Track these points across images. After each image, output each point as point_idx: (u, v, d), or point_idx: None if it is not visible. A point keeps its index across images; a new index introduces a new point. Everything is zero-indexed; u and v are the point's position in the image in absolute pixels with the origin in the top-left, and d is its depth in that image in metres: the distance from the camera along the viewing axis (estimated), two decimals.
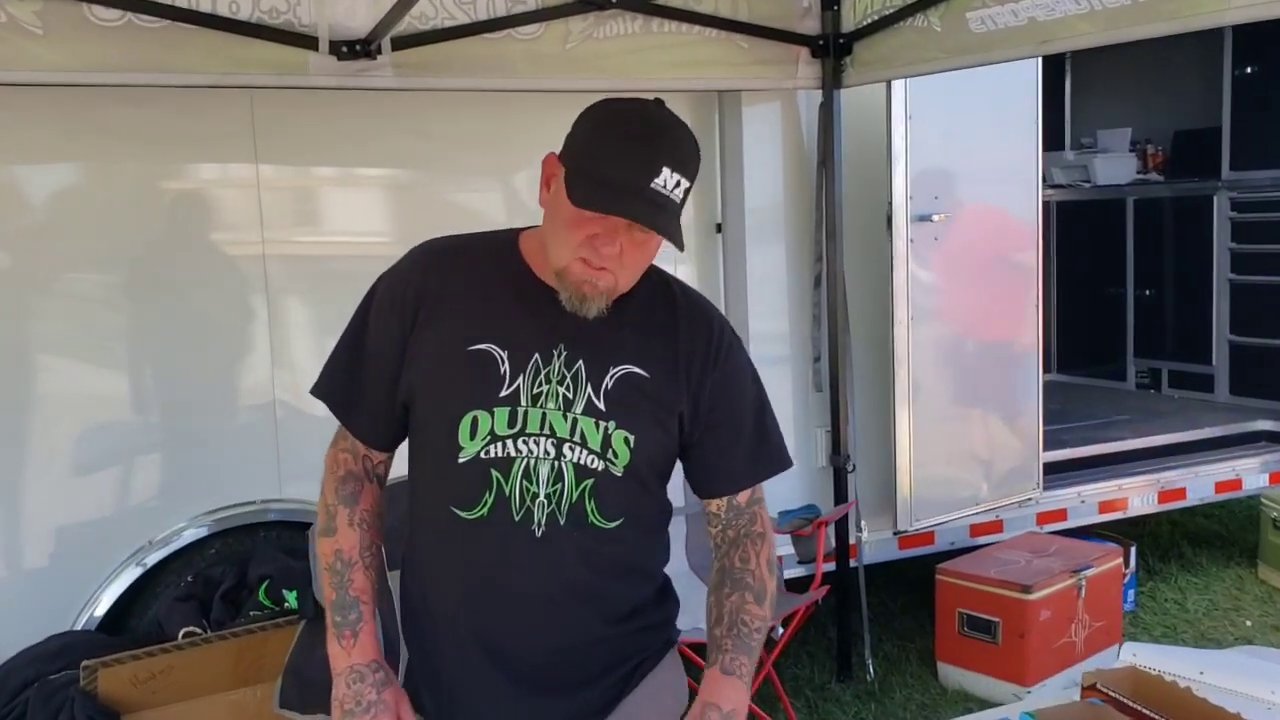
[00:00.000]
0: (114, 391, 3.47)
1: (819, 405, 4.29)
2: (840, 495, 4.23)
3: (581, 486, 1.72)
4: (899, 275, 4.21)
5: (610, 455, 1.73)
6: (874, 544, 4.37)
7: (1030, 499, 4.73)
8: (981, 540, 4.62)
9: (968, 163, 4.39)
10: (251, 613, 3.15)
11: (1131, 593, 4.85)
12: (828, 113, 4.02)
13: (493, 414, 1.71)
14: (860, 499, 4.25)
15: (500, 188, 3.95)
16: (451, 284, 1.78)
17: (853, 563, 4.29)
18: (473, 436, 1.71)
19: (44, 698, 2.88)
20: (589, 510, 1.72)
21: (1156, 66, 7.03)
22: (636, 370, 1.76)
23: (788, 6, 3.87)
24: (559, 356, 1.74)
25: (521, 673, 1.75)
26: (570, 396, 1.73)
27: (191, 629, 3.12)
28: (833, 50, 3.91)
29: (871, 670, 4.27)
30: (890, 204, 4.14)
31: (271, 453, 3.57)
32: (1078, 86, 7.46)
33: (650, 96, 1.72)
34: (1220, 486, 5.21)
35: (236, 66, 3.11)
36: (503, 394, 1.71)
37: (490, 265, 1.81)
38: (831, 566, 4.18)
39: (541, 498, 1.71)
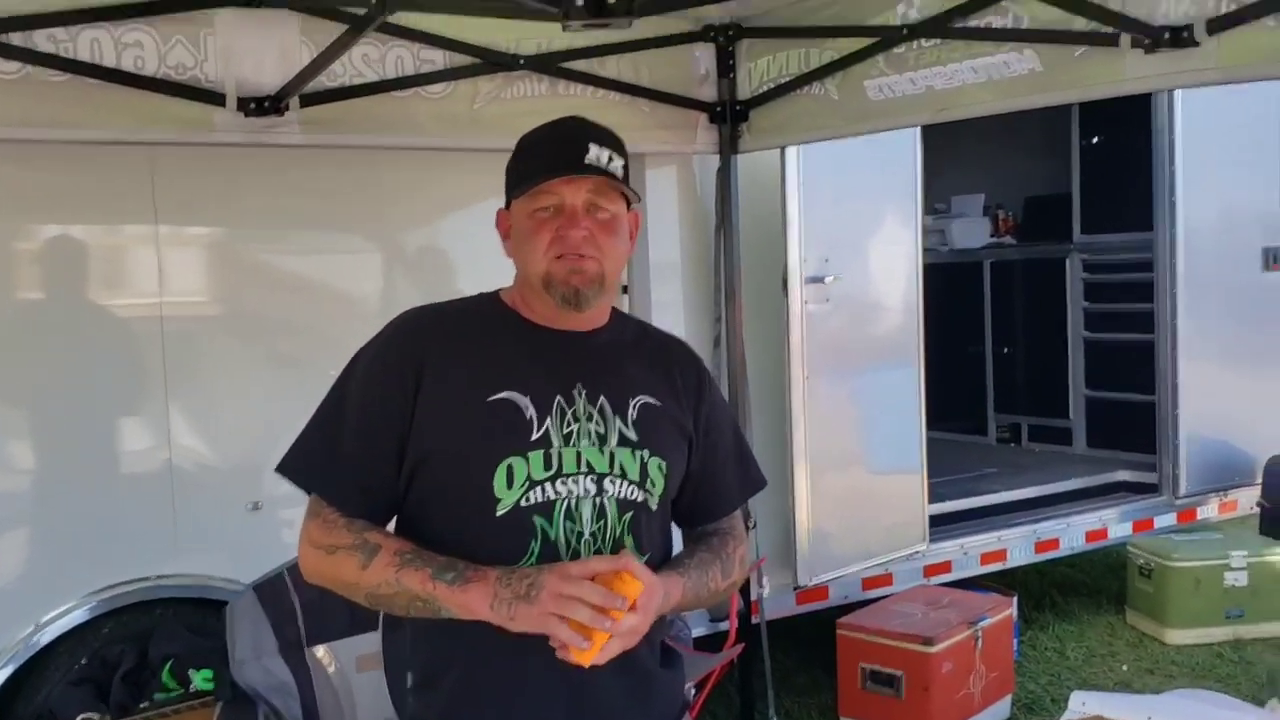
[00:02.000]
0: None
1: None
2: None
3: (623, 521, 1.73)
4: (794, 335, 4.31)
5: (649, 485, 1.76)
6: (773, 600, 4.41)
7: (918, 552, 4.86)
8: (873, 594, 4.71)
9: (856, 226, 4.56)
10: (155, 695, 2.97)
11: (1016, 642, 5.01)
12: (725, 177, 4.11)
13: (528, 459, 1.69)
14: (764, 556, 4.29)
15: (410, 247, 3.90)
16: (449, 342, 1.77)
17: (755, 619, 4.31)
18: (510, 485, 1.68)
19: None
20: (629, 546, 1.73)
21: (1006, 134, 7.42)
22: (651, 400, 1.81)
23: (687, 72, 3.95)
24: (580, 395, 1.75)
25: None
26: (602, 431, 1.74)
27: (89, 715, 2.92)
28: (730, 117, 4.00)
29: None
30: (785, 266, 4.25)
31: (167, 523, 3.40)
32: (930, 152, 7.81)
33: None
34: (1090, 536, 5.46)
35: (140, 122, 3.00)
36: (534, 438, 1.70)
37: (482, 320, 1.81)
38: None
39: (587, 536, 1.71)
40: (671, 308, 4.26)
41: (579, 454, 1.73)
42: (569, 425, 1.73)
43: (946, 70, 3.32)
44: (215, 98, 3.08)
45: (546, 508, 1.70)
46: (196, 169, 3.40)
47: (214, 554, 3.41)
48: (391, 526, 1.80)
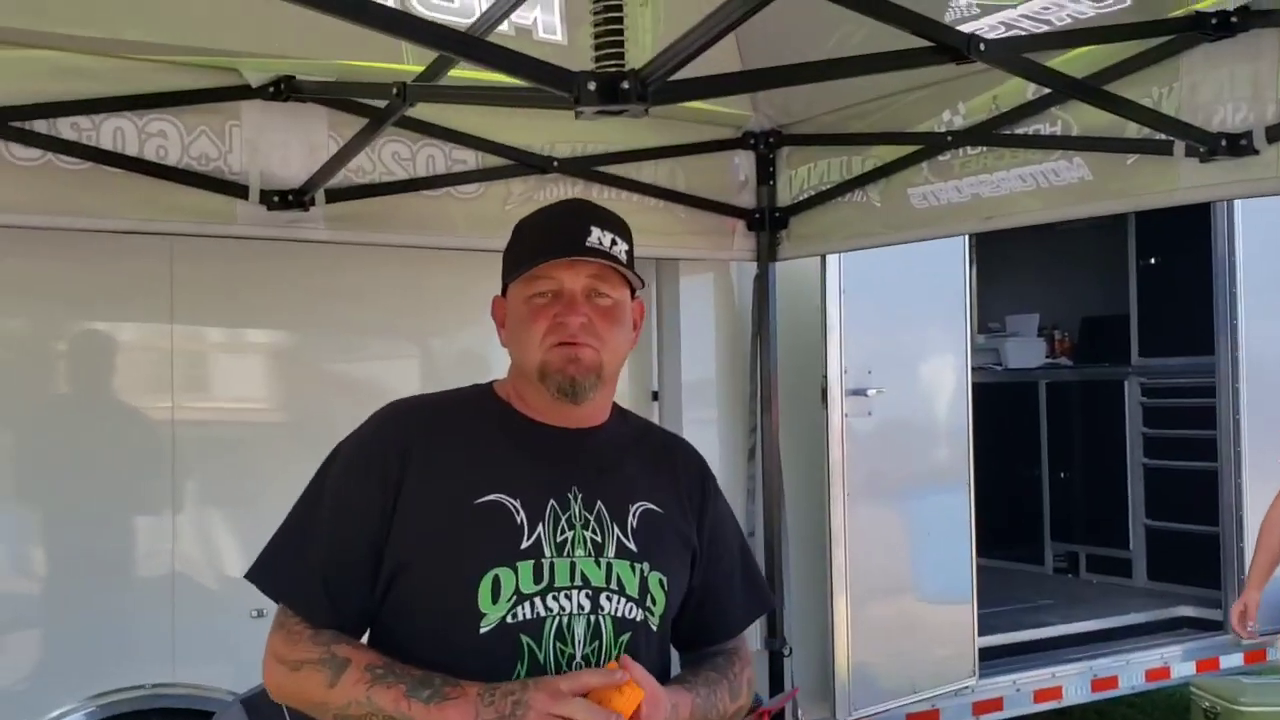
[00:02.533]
0: None
1: None
2: (776, 681, 4.01)
3: (620, 643, 1.55)
4: (834, 450, 4.13)
5: (649, 603, 1.59)
6: None
7: (967, 687, 4.57)
8: None
9: (900, 338, 4.41)
10: None
11: None
12: (763, 285, 3.99)
13: (516, 570, 1.53)
14: (799, 687, 4.04)
15: (435, 352, 3.81)
16: (436, 439, 1.61)
17: None
18: (495, 599, 1.52)
19: None
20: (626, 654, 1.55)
21: (1061, 254, 7.28)
22: (653, 507, 1.64)
23: (725, 179, 3.87)
24: (575, 499, 1.59)
25: None
26: (599, 541, 1.58)
27: None
28: (768, 224, 3.90)
29: None
30: (825, 377, 4.09)
31: (166, 632, 3.25)
32: (983, 270, 7.69)
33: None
34: (1150, 674, 5.15)
35: (160, 213, 2.94)
36: (524, 546, 1.54)
37: (472, 414, 1.66)
38: None
39: (579, 659, 1.53)
40: (704, 417, 4.12)
41: (573, 565, 1.57)
42: (563, 533, 1.58)
43: (993, 178, 3.20)
44: (238, 189, 3.03)
45: (535, 626, 1.54)
46: (216, 262, 3.33)
47: (213, 663, 3.25)
48: (366, 638, 1.64)
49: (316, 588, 1.58)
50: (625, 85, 1.83)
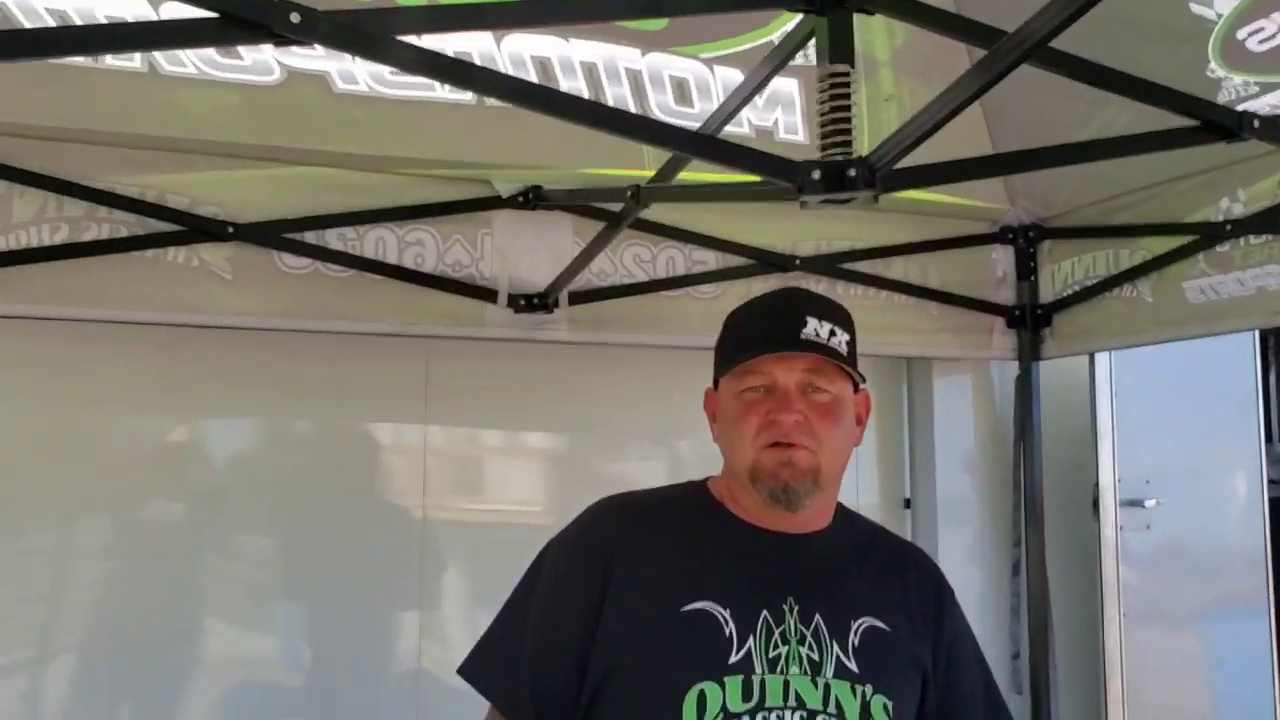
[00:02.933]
0: (263, 652, 3.33)
1: (1019, 710, 3.78)
2: None
3: None
4: (1108, 566, 3.81)
5: None
6: None
7: None
8: None
9: (1182, 446, 4.04)
10: None
11: None
12: (1025, 385, 3.74)
13: (723, 685, 1.44)
14: None
15: (677, 450, 3.78)
16: (644, 541, 1.56)
17: None
18: (701, 715, 1.42)
19: None
20: None
21: None
22: (878, 624, 1.51)
23: (981, 274, 3.69)
24: (791, 612, 1.49)
25: None
26: (816, 659, 1.46)
27: None
28: (1030, 321, 3.67)
29: None
30: (1096, 486, 3.79)
31: None
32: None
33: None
34: None
35: (416, 316, 3.07)
36: (732, 660, 1.45)
37: (684, 515, 1.59)
38: None
39: None
40: (962, 528, 3.87)
41: (786, 684, 1.45)
42: (776, 648, 1.47)
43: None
44: (488, 294, 3.13)
45: None
46: (467, 363, 3.45)
47: None
48: None
49: (523, 692, 1.55)
50: (852, 172, 1.75)
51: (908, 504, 3.90)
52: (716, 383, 1.62)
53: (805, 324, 1.51)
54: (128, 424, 3.28)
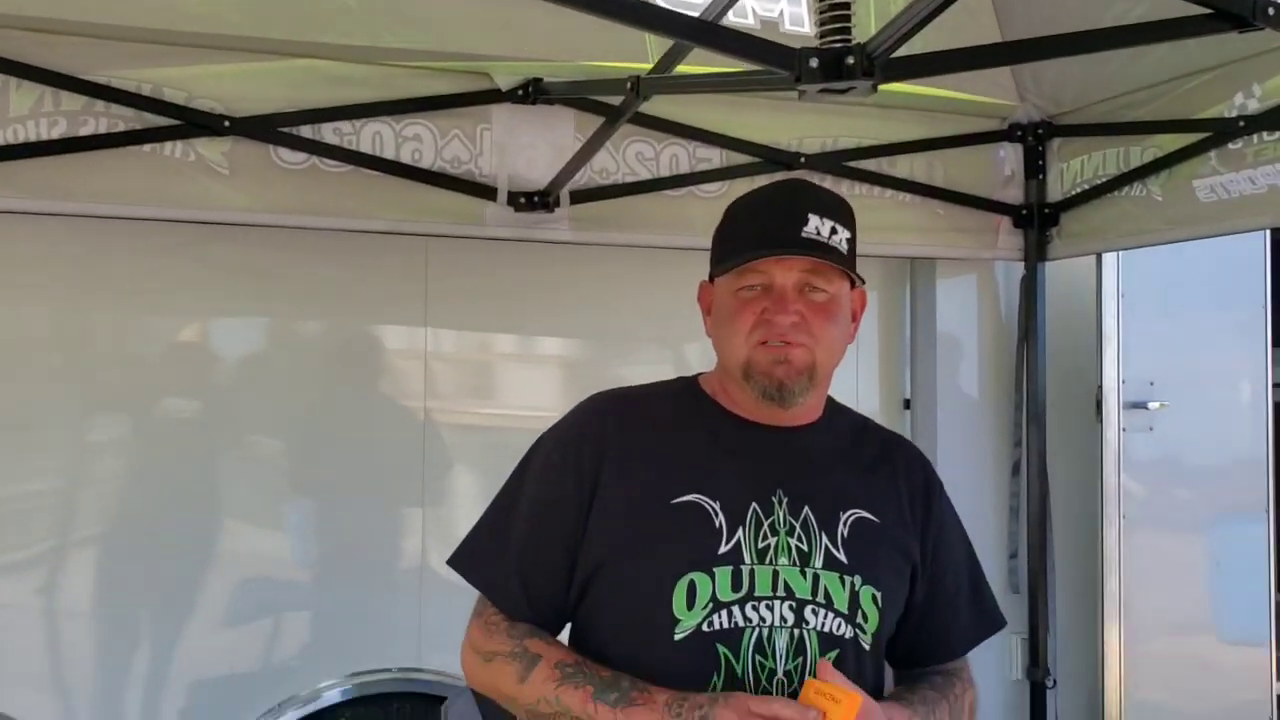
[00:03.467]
0: (271, 549, 3.38)
1: (1015, 609, 3.82)
2: (1039, 715, 3.73)
3: (826, 660, 1.44)
4: (1109, 468, 3.81)
5: (860, 619, 1.48)
6: None
7: None
8: None
9: (1187, 349, 4.01)
10: None
11: None
12: (1030, 286, 3.72)
13: (713, 576, 1.45)
14: None
15: (678, 358, 3.77)
16: (636, 434, 1.56)
17: None
18: (690, 605, 1.45)
19: None
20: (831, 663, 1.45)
21: None
22: (867, 515, 1.53)
23: (988, 173, 3.64)
24: (780, 504, 1.49)
25: None
26: (805, 549, 1.48)
27: None
28: (1037, 221, 3.63)
29: None
30: (1100, 388, 3.78)
31: (415, 621, 3.37)
32: None
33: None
34: None
35: (414, 214, 3.05)
36: (722, 551, 1.46)
37: (675, 409, 1.59)
38: None
39: (780, 674, 1.44)
40: (962, 428, 3.87)
41: (775, 574, 1.46)
42: (765, 539, 1.48)
43: None
44: (487, 192, 3.10)
45: (733, 636, 1.45)
46: (467, 263, 3.43)
47: (456, 652, 3.32)
48: (566, 635, 1.61)
49: (514, 582, 1.56)
50: (850, 60, 1.71)
51: (907, 404, 3.89)
52: (712, 276, 1.59)
53: (807, 221, 1.48)
54: (125, 320, 3.28)
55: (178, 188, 2.81)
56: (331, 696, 3.26)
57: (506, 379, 3.65)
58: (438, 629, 3.36)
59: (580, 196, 3.18)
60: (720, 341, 1.57)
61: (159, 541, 3.22)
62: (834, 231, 1.50)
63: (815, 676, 1.40)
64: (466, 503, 3.46)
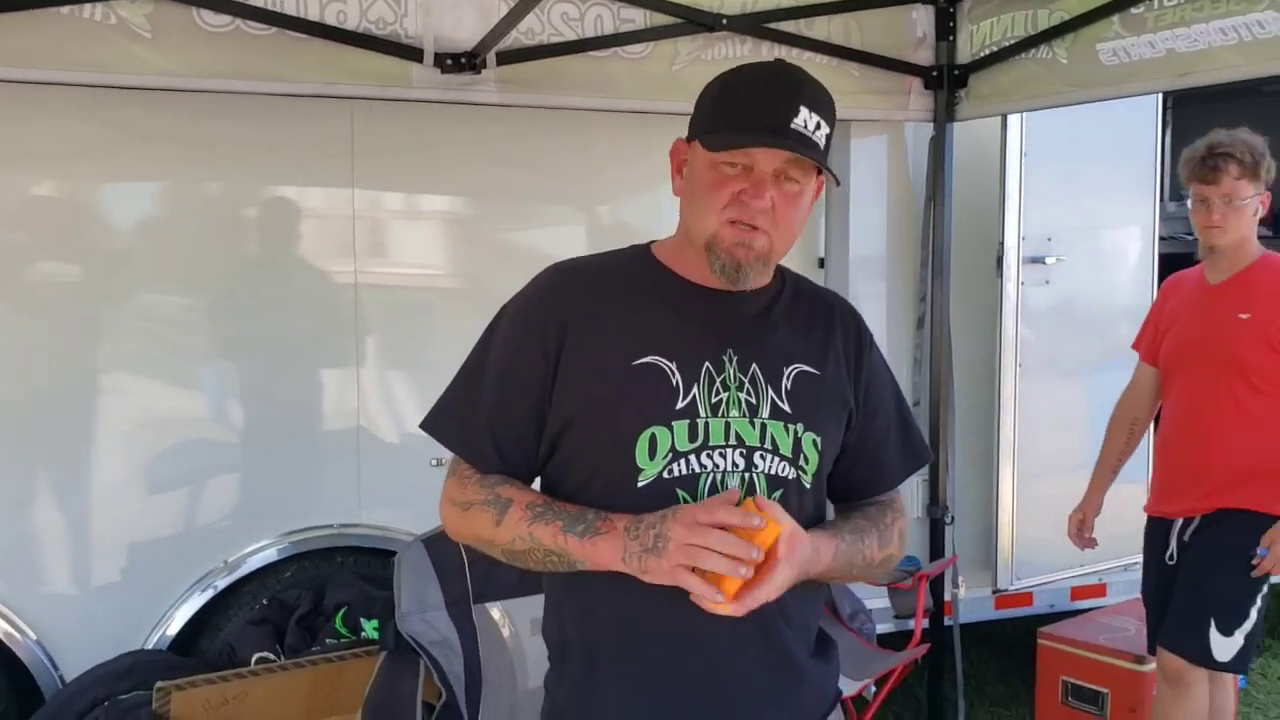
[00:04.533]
0: (193, 410, 3.39)
1: None
2: (937, 548, 4.02)
3: (773, 499, 1.56)
4: (1007, 320, 4.03)
5: (802, 461, 1.61)
6: (970, 602, 4.15)
7: (1136, 563, 4.46)
8: (1083, 604, 4.37)
9: (1084, 205, 4.22)
10: (327, 640, 3.02)
11: None
12: (939, 147, 3.86)
13: (671, 429, 1.57)
14: (957, 554, 4.04)
15: (602, 218, 3.84)
16: (595, 301, 1.64)
17: (948, 621, 4.07)
18: (652, 456, 1.56)
19: (114, 717, 2.77)
20: (762, 494, 1.58)
21: (1266, 117, 6.76)
22: (808, 369, 1.65)
23: (901, 35, 3.73)
24: (731, 362, 1.61)
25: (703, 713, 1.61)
26: (754, 402, 1.60)
27: (265, 654, 3.00)
28: (947, 82, 3.76)
29: None
30: (1001, 244, 3.97)
31: (352, 477, 3.46)
32: (1177, 134, 7.22)
33: None
34: None
35: (340, 76, 3.04)
36: (679, 406, 1.57)
37: (630, 276, 1.68)
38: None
39: None
40: (872, 284, 4.04)
41: (727, 425, 1.59)
42: (718, 394, 1.59)
43: (1190, 31, 3.00)
44: (414, 53, 3.09)
45: (690, 481, 1.57)
46: (393, 126, 3.41)
47: (395, 508, 3.45)
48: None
49: (485, 439, 1.66)
50: None
51: (821, 263, 4.03)
52: (691, 138, 1.63)
53: (798, 113, 1.53)
54: (45, 186, 3.23)
55: (99, 51, 2.76)
56: (267, 556, 3.35)
57: (435, 241, 3.66)
58: (375, 487, 3.47)
59: (506, 58, 3.19)
60: (688, 208, 1.63)
61: (73, 409, 3.22)
62: (819, 126, 1.55)
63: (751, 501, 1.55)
64: (401, 363, 3.53)
